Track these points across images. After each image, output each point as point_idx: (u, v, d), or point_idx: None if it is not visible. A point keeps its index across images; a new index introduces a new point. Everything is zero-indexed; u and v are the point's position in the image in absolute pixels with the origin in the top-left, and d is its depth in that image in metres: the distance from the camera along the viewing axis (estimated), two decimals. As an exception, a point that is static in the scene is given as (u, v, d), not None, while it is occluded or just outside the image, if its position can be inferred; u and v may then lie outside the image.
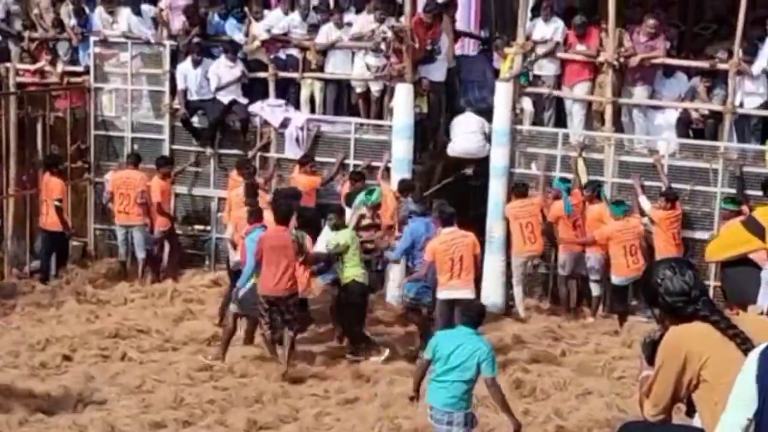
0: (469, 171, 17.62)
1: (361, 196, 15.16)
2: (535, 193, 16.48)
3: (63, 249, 17.62)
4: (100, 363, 14.00)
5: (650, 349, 5.43)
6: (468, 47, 21.67)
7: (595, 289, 16.24)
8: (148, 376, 13.39)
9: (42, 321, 15.47)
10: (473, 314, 10.65)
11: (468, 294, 13.48)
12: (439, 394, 10.12)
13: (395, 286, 16.95)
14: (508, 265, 16.79)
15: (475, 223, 16.76)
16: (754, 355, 4.68)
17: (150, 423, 11.86)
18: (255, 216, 14.24)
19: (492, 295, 16.74)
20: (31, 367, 13.61)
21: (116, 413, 12.20)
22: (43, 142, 18.33)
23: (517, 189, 16.50)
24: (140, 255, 17.38)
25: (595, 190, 15.94)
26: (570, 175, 16.40)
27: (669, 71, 16.44)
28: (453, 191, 17.54)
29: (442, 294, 13.57)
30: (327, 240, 14.34)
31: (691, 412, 5.33)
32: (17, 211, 17.83)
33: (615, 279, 15.66)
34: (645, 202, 15.88)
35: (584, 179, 16.28)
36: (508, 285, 16.82)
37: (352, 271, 14.13)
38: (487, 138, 17.08)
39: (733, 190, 15.71)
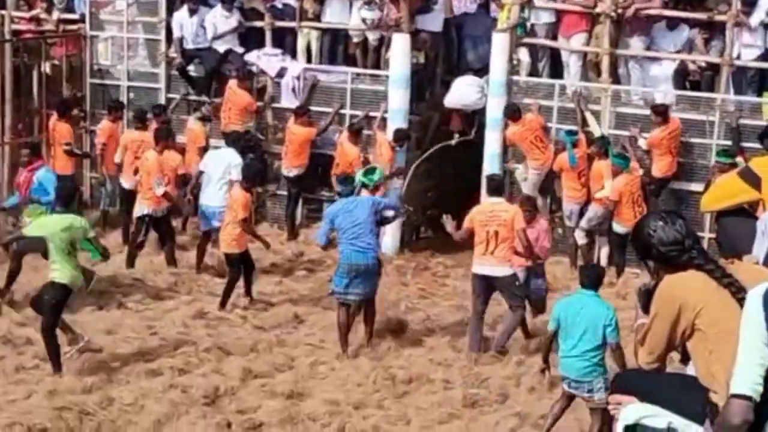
0: (453, 142, 17.51)
1: (359, 177, 13.81)
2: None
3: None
4: (96, 311, 14.02)
5: (645, 297, 5.46)
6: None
7: (579, 238, 16.27)
8: (143, 324, 13.46)
9: (37, 269, 15.44)
10: (593, 276, 10.57)
11: (503, 271, 12.56)
12: (573, 365, 10.12)
13: (390, 234, 17.01)
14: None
15: (474, 177, 16.90)
16: (757, 298, 4.68)
17: (146, 371, 11.91)
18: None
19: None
20: (27, 316, 13.61)
21: (112, 361, 12.24)
22: (39, 90, 18.28)
23: (511, 111, 16.50)
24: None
25: (603, 146, 15.83)
26: (575, 127, 16.34)
27: (672, 23, 16.35)
28: (446, 139, 17.56)
29: (475, 268, 12.76)
30: None
31: (685, 360, 5.37)
32: (13, 159, 17.78)
33: (620, 228, 15.59)
34: (642, 142, 15.92)
35: (597, 132, 16.19)
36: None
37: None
38: (485, 93, 17.02)
39: (729, 143, 15.69)
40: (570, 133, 16.19)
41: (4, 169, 17.80)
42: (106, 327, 13.35)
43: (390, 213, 13.16)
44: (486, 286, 12.69)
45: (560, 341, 10.22)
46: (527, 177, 16.75)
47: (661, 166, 15.91)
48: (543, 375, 11.28)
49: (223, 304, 14.03)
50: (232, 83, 17.55)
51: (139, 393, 11.26)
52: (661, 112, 15.68)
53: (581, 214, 16.34)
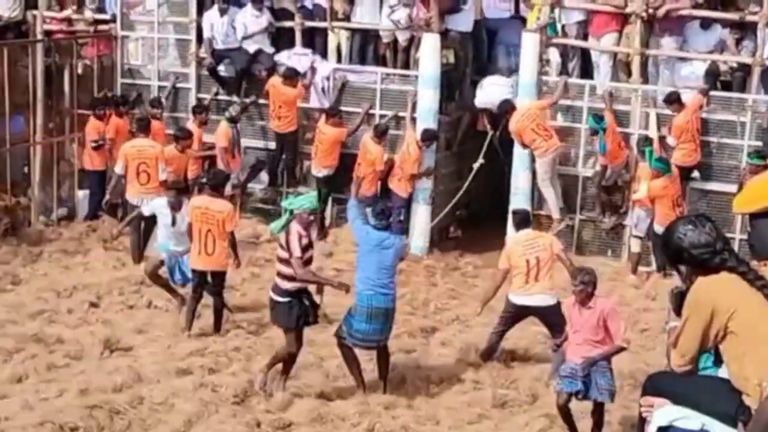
0: (477, 165, 17.42)
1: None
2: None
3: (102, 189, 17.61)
4: (126, 311, 14.09)
5: (678, 300, 5.44)
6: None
7: (635, 246, 16.14)
8: (173, 323, 13.51)
9: (69, 268, 15.57)
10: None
11: (547, 300, 12.07)
12: None
13: (419, 234, 17.03)
14: (534, 216, 16.79)
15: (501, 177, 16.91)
16: None
17: (176, 370, 11.94)
18: None
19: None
20: (58, 314, 13.71)
21: (142, 360, 12.29)
22: (70, 90, 18.37)
23: (504, 106, 16.59)
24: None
25: (643, 149, 15.71)
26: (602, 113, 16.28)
27: (705, 23, 16.27)
28: (477, 147, 17.55)
29: (517, 298, 12.21)
30: None
31: (718, 362, 5.35)
32: (44, 158, 17.89)
33: (662, 230, 15.50)
34: (671, 139, 15.91)
35: (654, 134, 16.11)
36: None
37: None
38: (515, 93, 17.00)
39: (760, 143, 15.62)
40: (597, 118, 16.10)
41: (36, 168, 17.88)
42: (136, 326, 13.42)
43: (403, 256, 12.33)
44: (522, 315, 12.35)
45: None
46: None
47: (683, 154, 15.84)
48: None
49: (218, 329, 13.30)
50: (275, 81, 17.54)
51: (169, 392, 11.29)
52: (675, 100, 15.66)
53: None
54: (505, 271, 12.25)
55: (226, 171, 16.95)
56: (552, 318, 12.01)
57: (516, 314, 12.35)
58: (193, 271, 13.08)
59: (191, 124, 17.65)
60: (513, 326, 12.51)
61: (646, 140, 15.85)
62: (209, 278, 13.07)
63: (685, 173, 15.93)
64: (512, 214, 12.99)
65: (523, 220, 12.78)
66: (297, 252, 10.97)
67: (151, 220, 14.58)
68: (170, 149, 16.21)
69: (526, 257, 12.08)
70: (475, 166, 17.31)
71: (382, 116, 17.40)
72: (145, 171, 15.69)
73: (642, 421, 5.36)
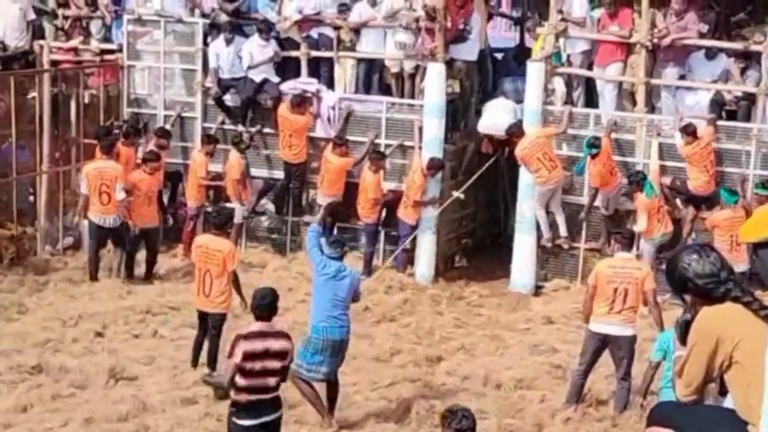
0: (461, 195, 17.42)
1: None
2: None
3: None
4: (131, 340, 14.09)
5: (683, 329, 5.43)
6: (500, 27, 21.65)
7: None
8: (178, 353, 13.50)
9: (74, 297, 15.58)
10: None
11: (625, 331, 11.81)
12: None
13: (425, 263, 17.04)
14: (539, 245, 16.82)
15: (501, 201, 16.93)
16: None
17: (181, 399, 11.94)
18: None
19: (522, 275, 16.81)
20: (64, 343, 13.71)
21: (147, 389, 12.30)
22: (77, 119, 18.43)
23: (511, 130, 16.60)
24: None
25: (639, 181, 15.70)
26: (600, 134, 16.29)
27: (710, 53, 16.32)
28: (482, 175, 17.59)
29: (595, 326, 11.88)
30: None
31: (723, 392, 5.34)
32: (50, 187, 17.93)
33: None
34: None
35: (654, 164, 16.15)
36: (539, 265, 16.87)
37: None
38: (518, 118, 17.05)
39: (766, 173, 15.63)
40: (592, 145, 16.11)
41: (42, 197, 17.92)
42: (141, 356, 13.42)
43: (357, 296, 11.98)
44: (602, 345, 11.99)
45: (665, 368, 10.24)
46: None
47: (696, 184, 15.90)
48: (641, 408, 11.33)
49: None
50: (283, 110, 17.60)
51: (174, 421, 11.30)
52: (691, 133, 15.68)
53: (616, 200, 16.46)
54: (593, 288, 11.84)
55: (238, 201, 17.14)
56: (625, 349, 11.84)
57: (595, 344, 11.95)
58: (197, 310, 13.03)
59: (198, 153, 17.73)
60: (595, 361, 12.09)
61: (638, 173, 15.87)
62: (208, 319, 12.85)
63: (698, 201, 15.96)
64: (617, 234, 12.50)
65: (628, 242, 12.38)
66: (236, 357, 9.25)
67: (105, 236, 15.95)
68: (139, 172, 16.44)
69: (613, 285, 11.70)
70: (455, 194, 17.28)
71: (387, 145, 17.44)
72: (106, 192, 16.10)
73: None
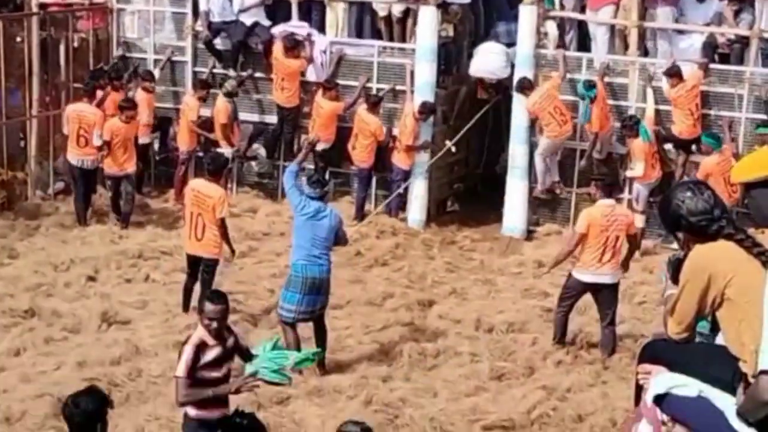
0: (453, 147, 17.33)
1: None
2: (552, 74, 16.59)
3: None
4: (123, 284, 14.10)
5: (675, 268, 5.45)
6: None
7: (638, 221, 16.09)
8: (171, 297, 13.51)
9: (66, 242, 15.57)
10: None
11: (612, 279, 11.93)
12: None
13: (417, 208, 17.03)
14: (531, 190, 16.83)
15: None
16: None
17: (174, 343, 11.92)
18: None
19: (513, 220, 16.83)
20: (56, 288, 13.72)
21: (140, 333, 12.32)
22: (66, 63, 18.31)
23: (524, 84, 16.50)
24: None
25: (633, 126, 15.70)
26: (594, 78, 16.26)
27: (701, -5, 16.27)
28: (472, 113, 17.55)
29: (584, 276, 11.93)
30: None
31: (715, 329, 5.36)
32: (40, 132, 17.85)
33: None
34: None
35: (650, 110, 16.11)
36: (531, 210, 16.88)
37: None
38: (510, 62, 16.99)
39: (758, 116, 15.61)
40: (588, 86, 16.08)
41: (32, 142, 17.84)
42: (134, 300, 13.42)
43: (341, 237, 11.80)
44: (586, 291, 12.14)
45: None
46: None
47: (681, 128, 15.87)
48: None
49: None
50: (277, 53, 17.47)
51: (167, 365, 11.28)
52: (675, 74, 15.65)
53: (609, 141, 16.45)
54: (582, 236, 11.85)
55: (229, 145, 17.07)
56: (611, 295, 12.01)
57: (582, 291, 12.15)
58: (186, 254, 13.01)
59: (190, 98, 17.66)
60: (577, 301, 12.34)
61: (632, 118, 15.85)
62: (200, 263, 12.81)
63: (683, 145, 15.95)
64: (597, 181, 12.46)
65: (611, 188, 12.38)
66: (181, 369, 8.05)
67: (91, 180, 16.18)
68: (115, 120, 16.25)
69: (606, 233, 11.72)
70: (447, 144, 17.23)
71: (379, 89, 17.36)
72: (84, 135, 16.21)
73: (639, 389, 5.37)
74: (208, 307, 8.18)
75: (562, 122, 16.37)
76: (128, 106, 16.37)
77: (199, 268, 12.81)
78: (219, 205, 12.48)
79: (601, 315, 12.13)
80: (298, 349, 11.25)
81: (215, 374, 8.07)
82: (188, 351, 7.99)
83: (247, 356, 8.47)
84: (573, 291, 12.15)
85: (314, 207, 11.32)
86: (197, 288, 12.78)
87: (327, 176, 17.04)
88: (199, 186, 12.76)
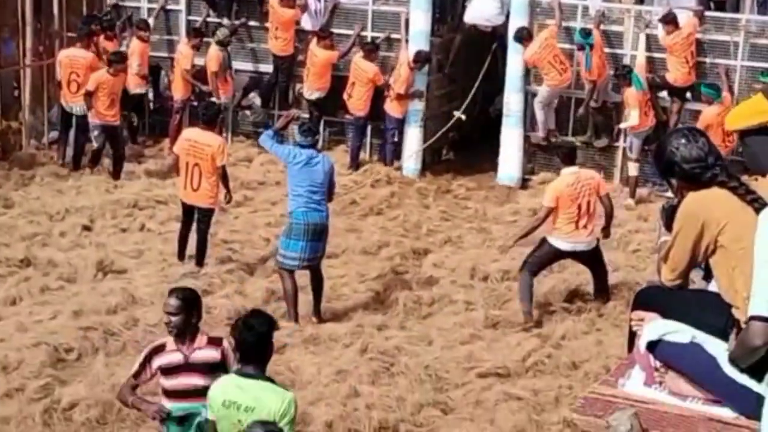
0: (462, 115, 17.28)
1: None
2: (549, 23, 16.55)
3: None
4: (119, 234, 14.11)
5: (668, 215, 5.45)
6: None
7: (632, 169, 16.09)
8: (166, 246, 13.54)
9: (61, 192, 15.56)
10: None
11: (590, 245, 11.77)
12: None
13: (411, 156, 17.04)
14: (526, 138, 16.83)
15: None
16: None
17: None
18: None
19: (508, 168, 16.83)
20: (51, 237, 13.73)
21: (136, 282, 12.34)
22: (59, 12, 18.20)
23: (522, 34, 16.44)
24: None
25: (626, 75, 15.68)
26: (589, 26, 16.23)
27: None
28: (471, 60, 17.50)
29: (560, 243, 11.68)
30: None
31: (708, 276, 5.37)
32: (34, 81, 17.78)
33: None
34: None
35: (641, 57, 16.06)
36: (526, 158, 16.89)
37: None
38: (506, 9, 16.91)
39: (754, 64, 15.59)
40: (585, 34, 16.03)
41: (26, 92, 17.78)
42: (129, 249, 13.44)
43: (331, 186, 11.75)
44: (561, 258, 12.04)
45: None
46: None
47: (676, 76, 15.87)
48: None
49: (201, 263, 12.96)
50: (272, 2, 17.37)
51: (163, 314, 11.34)
52: (671, 21, 15.61)
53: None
54: (550, 210, 11.63)
55: (217, 96, 17.01)
56: (597, 257, 11.94)
57: (556, 258, 12.02)
58: (181, 202, 13.02)
59: (184, 46, 17.59)
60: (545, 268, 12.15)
61: (624, 67, 15.82)
62: (196, 213, 12.83)
63: (677, 92, 15.95)
64: (557, 149, 12.38)
65: (570, 156, 12.35)
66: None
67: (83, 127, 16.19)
68: (102, 72, 16.07)
69: (578, 201, 11.54)
70: (457, 114, 17.20)
71: (374, 38, 17.29)
72: (75, 80, 16.28)
73: (632, 336, 5.39)
74: (168, 300, 7.42)
75: (562, 70, 16.36)
76: (117, 60, 16.24)
77: (194, 217, 12.81)
78: (219, 154, 12.49)
79: (594, 287, 12.17)
80: (296, 298, 11.35)
81: (167, 384, 7.34)
82: (145, 350, 7.56)
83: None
84: (546, 257, 11.86)
85: (306, 154, 11.35)
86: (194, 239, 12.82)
87: (320, 126, 17.12)
88: (195, 136, 12.72)
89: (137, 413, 9.14)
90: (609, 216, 12.01)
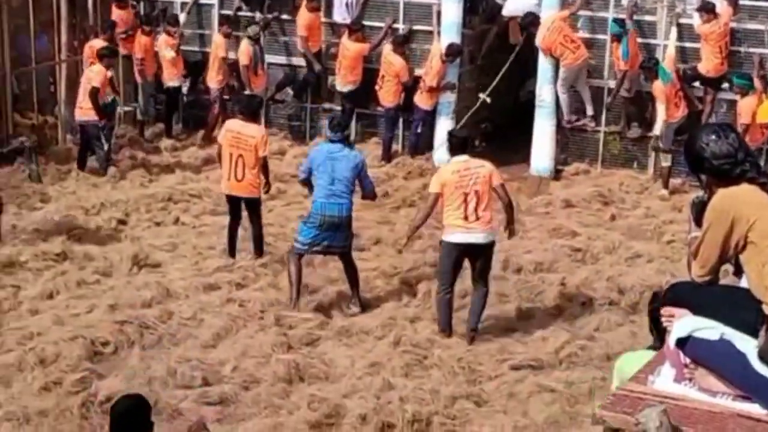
0: (487, 98, 17.26)
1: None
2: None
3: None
4: (153, 227, 14.21)
5: (698, 210, 5.46)
6: None
7: (665, 160, 16.04)
8: (200, 239, 13.63)
9: (96, 186, 15.67)
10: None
11: (486, 238, 10.86)
12: None
13: (445, 146, 17.01)
14: (558, 128, 16.80)
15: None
16: None
17: (204, 285, 12.08)
18: None
19: (541, 159, 16.81)
20: (87, 231, 13.83)
21: (170, 276, 12.43)
22: (94, 7, 18.32)
23: (528, 20, 16.59)
24: None
25: (652, 68, 15.61)
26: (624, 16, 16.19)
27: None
28: (501, 54, 17.47)
29: (453, 237, 10.83)
30: None
31: (738, 272, 5.38)
32: (70, 76, 17.90)
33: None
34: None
35: (671, 48, 15.99)
36: (559, 149, 16.87)
37: None
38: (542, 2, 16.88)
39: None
40: (620, 24, 15.99)
41: (62, 87, 17.90)
42: (164, 243, 13.54)
43: (366, 183, 11.80)
44: (463, 255, 11.01)
45: None
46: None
47: (708, 66, 15.82)
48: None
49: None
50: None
51: (197, 307, 11.45)
52: (710, 10, 15.55)
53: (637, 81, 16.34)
54: (436, 197, 10.92)
55: (250, 90, 17.10)
56: (487, 258, 11.04)
57: (457, 258, 10.99)
58: (226, 196, 13.07)
59: (216, 35, 17.73)
60: (457, 272, 11.13)
61: (650, 59, 15.76)
62: (242, 205, 12.88)
63: (710, 83, 15.88)
64: (448, 139, 11.56)
65: (461, 145, 11.19)
66: None
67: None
68: (98, 67, 16.18)
69: (463, 189, 10.74)
70: (482, 96, 17.19)
71: (410, 28, 17.33)
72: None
73: (663, 332, 5.40)
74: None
75: (575, 48, 16.37)
76: (109, 54, 16.34)
77: (240, 211, 12.89)
78: (261, 145, 12.59)
79: (473, 278, 11.21)
80: (299, 281, 11.50)
81: None
82: None
83: None
84: (447, 259, 10.97)
85: (328, 147, 11.52)
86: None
87: (353, 118, 17.18)
88: (238, 127, 12.75)
89: (174, 406, 9.32)
90: (508, 209, 11.16)
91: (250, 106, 13.06)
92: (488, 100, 17.15)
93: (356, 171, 11.53)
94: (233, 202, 12.91)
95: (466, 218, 10.73)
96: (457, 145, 11.16)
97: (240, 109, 13.12)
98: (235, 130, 12.70)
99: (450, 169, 11.01)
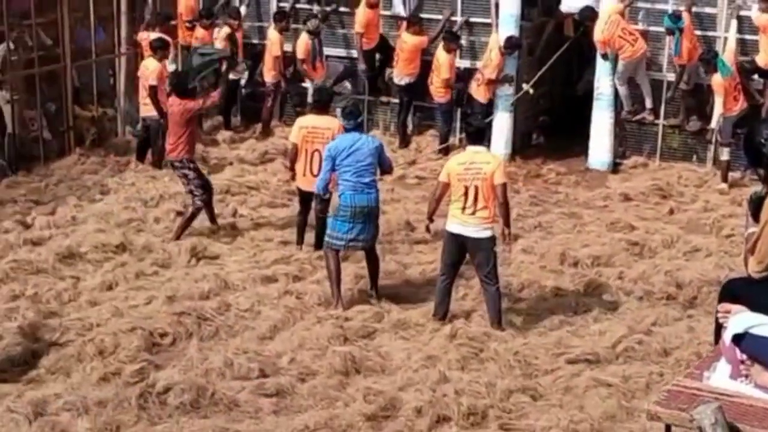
0: (531, 89, 17.19)
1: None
2: None
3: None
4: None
5: (756, 205, 5.42)
6: None
7: (724, 154, 15.90)
8: (258, 232, 13.70)
9: (155, 178, 15.79)
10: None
11: (482, 233, 10.80)
12: None
13: (501, 141, 17.01)
14: (617, 121, 16.71)
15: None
16: None
17: (261, 277, 12.14)
18: None
19: (599, 152, 16.73)
20: (146, 223, 13.96)
21: (228, 268, 12.51)
22: (153, 1, 18.47)
23: (586, 14, 16.54)
24: None
25: (710, 60, 15.50)
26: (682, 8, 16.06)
27: None
28: (558, 47, 17.40)
29: (451, 227, 10.90)
30: None
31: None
32: (129, 69, 18.06)
33: None
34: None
35: (731, 41, 15.86)
36: (617, 142, 16.78)
37: None
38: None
39: None
40: (674, 18, 15.86)
41: (122, 79, 18.07)
42: (222, 235, 13.61)
43: (384, 160, 11.72)
44: (461, 248, 11.02)
45: None
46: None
47: (766, 59, 15.68)
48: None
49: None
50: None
51: (255, 299, 11.51)
52: None
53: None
54: (445, 186, 10.92)
55: (310, 81, 17.19)
56: (483, 253, 10.93)
57: (454, 248, 11.02)
58: (298, 189, 13.07)
59: (272, 31, 17.80)
60: (458, 264, 11.21)
61: (709, 52, 15.61)
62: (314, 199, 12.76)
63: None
64: (465, 127, 11.50)
65: (477, 134, 11.11)
66: None
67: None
68: (150, 60, 16.22)
69: (464, 183, 10.71)
70: (525, 87, 17.11)
71: (467, 19, 17.32)
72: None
73: (719, 328, 5.37)
74: None
75: (633, 41, 16.28)
76: (160, 45, 16.29)
77: (310, 204, 12.86)
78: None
79: (479, 278, 11.20)
80: (339, 277, 11.47)
81: None
82: None
83: None
84: (447, 247, 11.06)
85: (349, 139, 11.44)
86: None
87: (410, 111, 17.21)
88: (312, 122, 12.71)
89: (230, 398, 9.38)
90: (502, 209, 10.93)
91: (322, 98, 13.03)
92: (531, 90, 17.08)
93: (377, 154, 11.52)
94: (305, 197, 12.88)
95: (463, 210, 10.77)
96: (474, 134, 11.09)
97: (313, 103, 13.09)
98: (309, 126, 12.62)
99: (458, 159, 11.05)
